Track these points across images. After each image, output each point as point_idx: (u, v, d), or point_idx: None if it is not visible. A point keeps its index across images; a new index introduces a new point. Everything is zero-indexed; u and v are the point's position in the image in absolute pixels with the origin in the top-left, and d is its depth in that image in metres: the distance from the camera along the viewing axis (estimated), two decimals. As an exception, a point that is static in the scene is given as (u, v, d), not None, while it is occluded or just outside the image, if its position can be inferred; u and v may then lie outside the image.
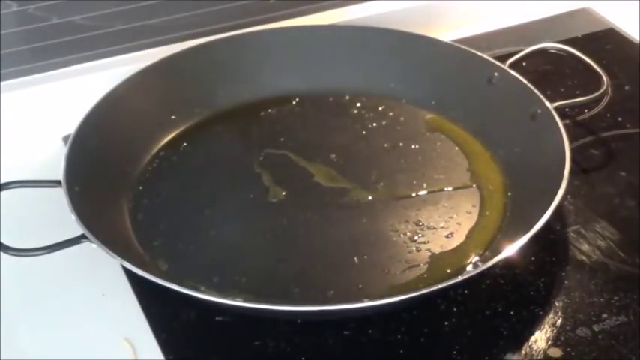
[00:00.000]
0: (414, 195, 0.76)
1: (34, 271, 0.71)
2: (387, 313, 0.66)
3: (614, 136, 0.84)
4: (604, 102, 0.87)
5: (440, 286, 0.62)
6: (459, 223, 0.73)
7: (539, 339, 0.64)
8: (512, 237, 0.65)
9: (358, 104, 0.87)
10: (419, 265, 0.69)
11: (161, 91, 0.84)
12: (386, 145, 0.83)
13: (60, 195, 0.69)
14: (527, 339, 0.64)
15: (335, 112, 0.87)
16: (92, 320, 0.68)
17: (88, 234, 0.65)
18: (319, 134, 0.84)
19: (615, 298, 0.67)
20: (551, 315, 0.66)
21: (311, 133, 0.85)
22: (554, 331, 0.65)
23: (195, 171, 0.81)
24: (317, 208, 0.76)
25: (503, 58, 0.85)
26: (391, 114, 0.86)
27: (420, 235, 0.72)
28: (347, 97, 0.88)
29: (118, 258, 0.64)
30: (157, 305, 0.68)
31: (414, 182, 0.78)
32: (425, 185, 0.78)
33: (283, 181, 0.78)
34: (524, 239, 0.64)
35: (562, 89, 0.89)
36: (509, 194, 0.75)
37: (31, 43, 0.86)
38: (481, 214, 0.74)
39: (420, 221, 0.74)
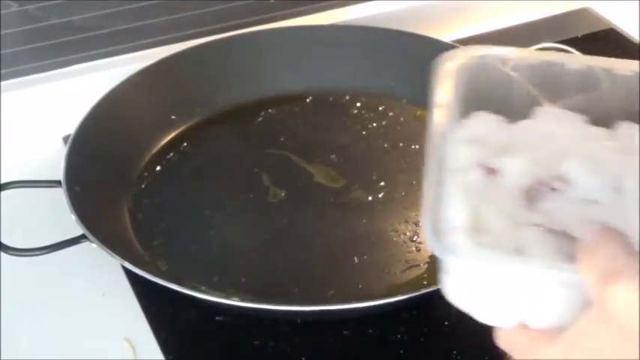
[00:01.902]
0: (413, 195, 0.76)
1: (34, 271, 0.71)
2: (387, 313, 0.66)
3: (614, 136, 0.84)
4: (604, 102, 0.87)
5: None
6: (459, 223, 0.73)
7: (539, 339, 0.64)
8: (512, 237, 0.65)
9: (358, 104, 0.87)
10: (419, 265, 0.69)
11: (161, 91, 0.84)
12: (386, 145, 0.83)
13: (60, 195, 0.69)
14: (527, 339, 0.64)
15: (335, 112, 0.87)
16: (92, 320, 0.68)
17: (88, 234, 0.65)
18: (319, 134, 0.84)
19: (615, 298, 0.67)
20: (551, 315, 0.66)
21: (311, 133, 0.85)
22: (554, 331, 0.65)
23: (195, 171, 0.81)
24: (317, 208, 0.76)
25: (503, 58, 0.85)
26: (391, 114, 0.86)
27: (420, 235, 0.72)
28: (347, 97, 0.88)
29: (118, 258, 0.64)
30: (157, 305, 0.68)
31: (414, 182, 0.78)
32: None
33: (283, 181, 0.78)
34: (524, 239, 0.63)
35: (562, 89, 0.89)
36: (509, 194, 0.75)
37: (31, 43, 0.86)
38: (481, 214, 0.74)
39: (420, 221, 0.73)
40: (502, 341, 0.44)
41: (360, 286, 0.68)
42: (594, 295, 0.37)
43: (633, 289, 0.35)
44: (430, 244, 0.38)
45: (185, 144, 0.84)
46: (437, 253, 0.38)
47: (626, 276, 0.35)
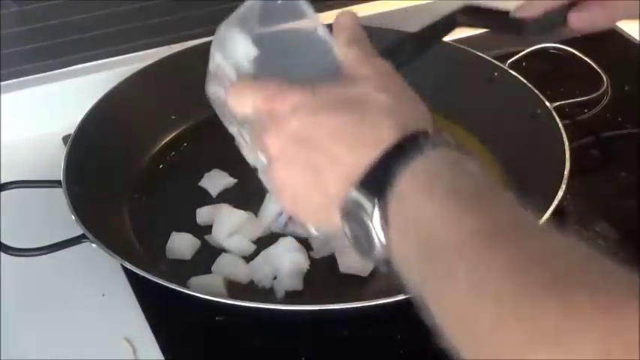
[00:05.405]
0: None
1: (34, 271, 0.71)
2: (388, 312, 0.66)
3: (614, 136, 0.84)
4: (604, 102, 0.87)
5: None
6: (459, 223, 0.73)
7: (539, 339, 0.64)
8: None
9: (358, 104, 0.87)
10: (419, 265, 0.69)
11: (161, 91, 0.84)
12: (386, 145, 0.82)
13: (60, 195, 0.69)
14: (527, 339, 0.64)
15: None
16: (92, 320, 0.68)
17: (88, 234, 0.65)
18: (319, 134, 0.84)
19: (615, 298, 0.67)
20: (551, 315, 0.66)
21: (311, 133, 0.84)
22: (554, 331, 0.64)
23: (195, 171, 0.80)
24: (317, 208, 0.76)
25: (503, 58, 0.85)
26: (391, 114, 0.86)
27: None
28: (347, 97, 0.88)
29: (118, 258, 0.64)
30: (157, 305, 0.68)
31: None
32: (425, 185, 0.77)
33: (283, 181, 0.78)
34: (524, 239, 0.63)
35: (562, 89, 0.89)
36: (509, 194, 0.75)
37: (31, 43, 0.86)
38: (481, 214, 0.74)
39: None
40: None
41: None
42: None
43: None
44: None
45: (185, 144, 0.84)
46: None
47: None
